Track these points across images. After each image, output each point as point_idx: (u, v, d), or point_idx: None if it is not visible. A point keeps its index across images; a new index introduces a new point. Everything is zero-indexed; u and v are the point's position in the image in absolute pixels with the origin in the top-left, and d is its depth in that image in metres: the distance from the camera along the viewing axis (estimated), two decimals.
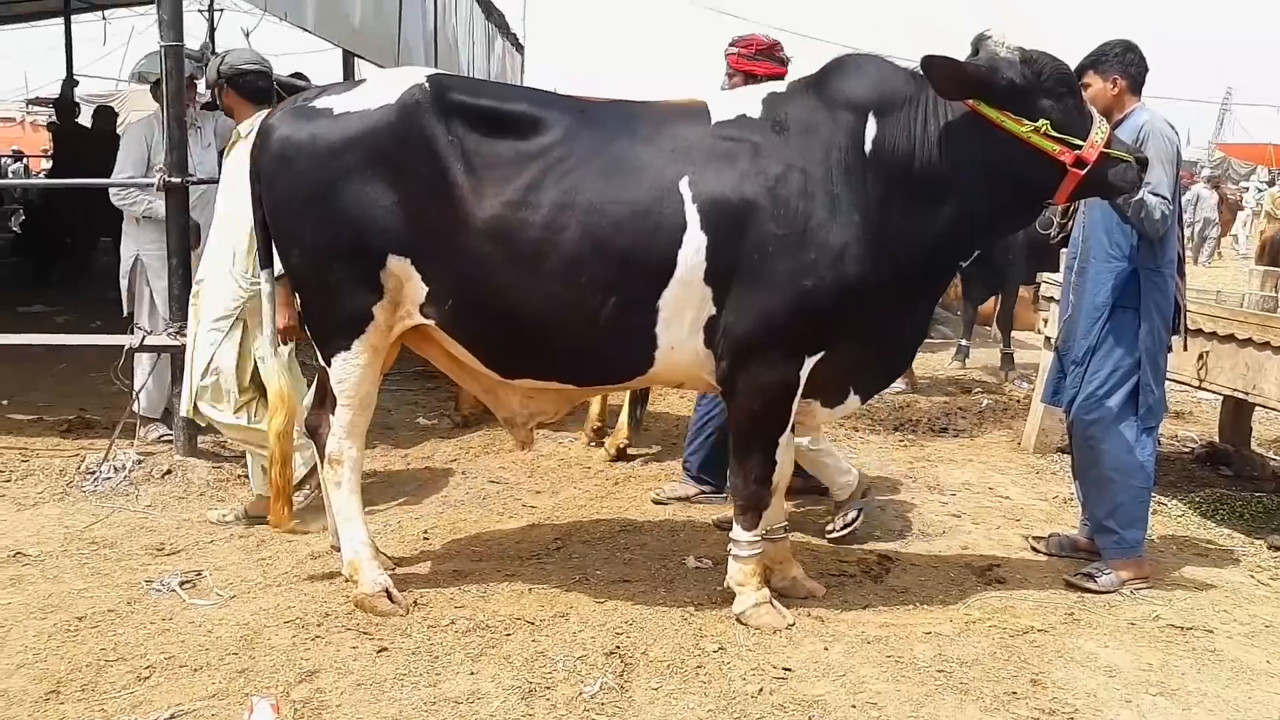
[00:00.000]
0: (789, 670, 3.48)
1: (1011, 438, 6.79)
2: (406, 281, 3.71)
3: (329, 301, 3.79)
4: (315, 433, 4.11)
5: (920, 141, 3.65)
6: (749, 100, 3.79)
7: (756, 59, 4.92)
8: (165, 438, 5.70)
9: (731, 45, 5.02)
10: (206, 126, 5.99)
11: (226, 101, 4.89)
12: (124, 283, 6.06)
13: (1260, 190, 26.39)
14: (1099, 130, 3.64)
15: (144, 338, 5.63)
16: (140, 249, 5.95)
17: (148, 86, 5.74)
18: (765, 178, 3.60)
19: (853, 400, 4.01)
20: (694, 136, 3.69)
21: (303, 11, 7.01)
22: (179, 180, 5.40)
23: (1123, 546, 4.34)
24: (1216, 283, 10.44)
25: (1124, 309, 4.27)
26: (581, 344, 3.74)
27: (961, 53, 3.69)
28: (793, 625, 3.79)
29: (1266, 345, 4.83)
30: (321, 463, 4.07)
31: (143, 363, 5.76)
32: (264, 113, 4.68)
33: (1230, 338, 5.03)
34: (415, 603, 3.87)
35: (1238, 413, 6.23)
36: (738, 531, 3.89)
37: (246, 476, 5.10)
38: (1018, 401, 7.69)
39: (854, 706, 3.29)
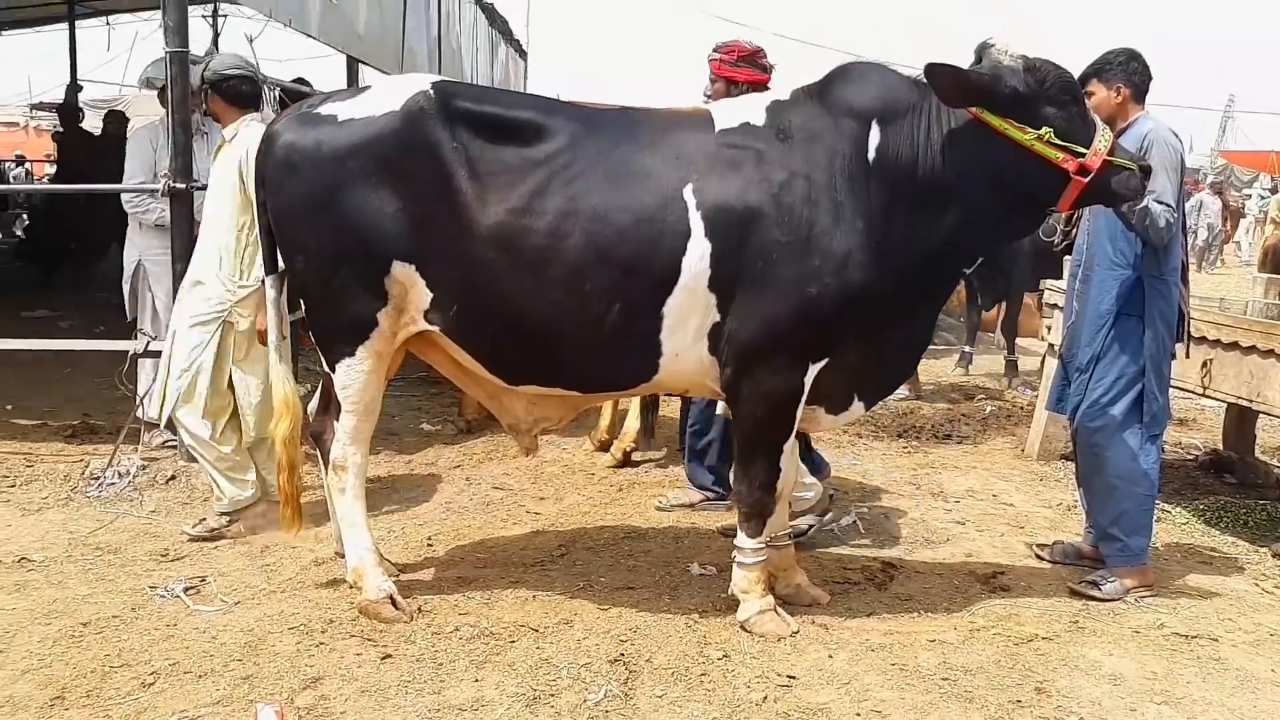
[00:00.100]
0: (793, 678, 3.48)
1: (1015, 444, 6.79)
2: (411, 288, 3.72)
3: (334, 307, 3.80)
4: (320, 439, 4.12)
5: (924, 149, 3.65)
6: (753, 108, 3.80)
7: (738, 65, 4.92)
8: (169, 443, 5.69)
9: (714, 51, 5.02)
10: (213, 132, 5.99)
11: (212, 106, 4.91)
12: (126, 288, 6.07)
13: (1264, 197, 26.37)
14: (1102, 138, 3.64)
15: (148, 343, 5.64)
16: (143, 254, 5.96)
17: (154, 92, 5.73)
18: (769, 185, 3.60)
19: (857, 407, 4.01)
20: (698, 144, 3.69)
21: (307, 17, 7.03)
22: (184, 186, 5.41)
23: (1127, 554, 4.33)
24: (1220, 290, 10.44)
25: (1128, 316, 4.27)
26: (586, 351, 3.74)
27: (965, 60, 3.69)
28: (797, 633, 3.79)
29: (1270, 353, 4.83)
30: (325, 468, 4.07)
31: (146, 368, 5.77)
32: (248, 117, 4.72)
33: (1234, 345, 5.03)
34: (419, 609, 3.87)
35: (1242, 420, 6.23)
36: (742, 539, 3.89)
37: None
38: (1021, 408, 7.69)
39: (858, 714, 3.29)
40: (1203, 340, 5.12)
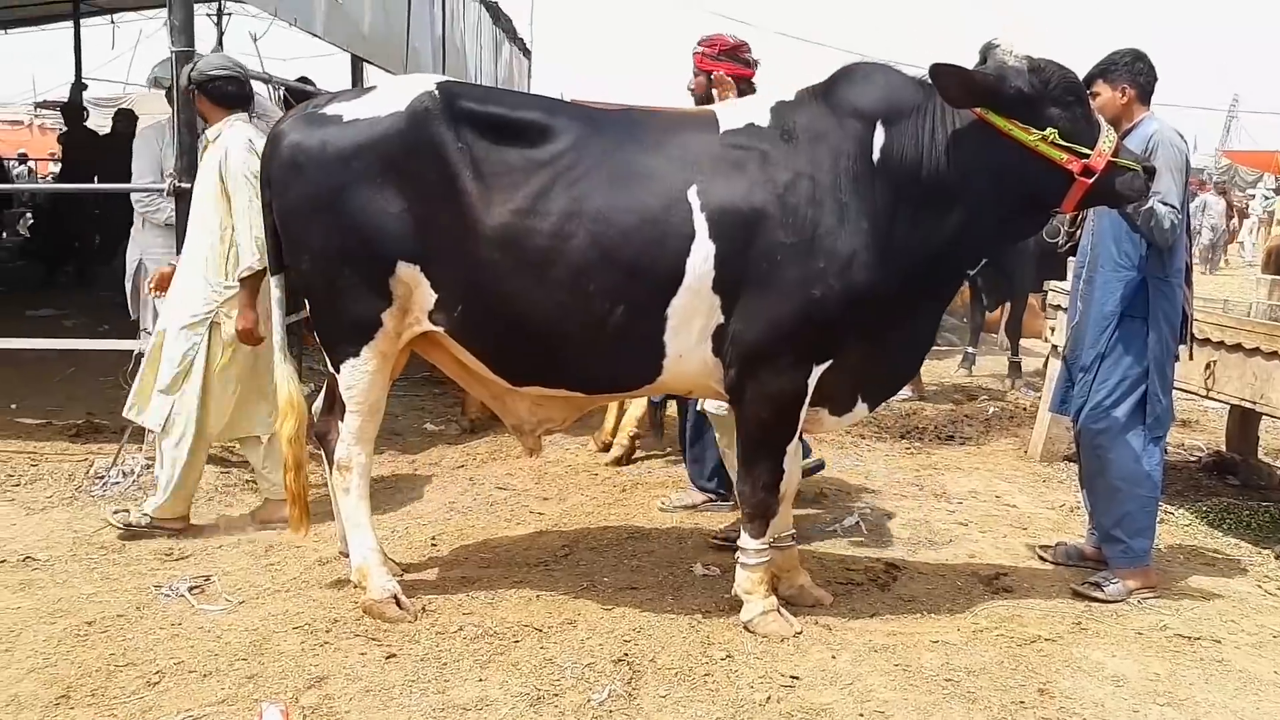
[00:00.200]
0: (796, 678, 3.48)
1: (1018, 445, 6.79)
2: (415, 288, 3.72)
3: (338, 308, 3.80)
4: (324, 439, 4.12)
5: (928, 150, 3.65)
6: (757, 109, 3.80)
7: (720, 59, 4.92)
8: None
9: (698, 44, 5.02)
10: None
11: (199, 107, 4.92)
12: (129, 286, 6.08)
13: (1267, 198, 26.36)
14: (1106, 139, 3.64)
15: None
16: (144, 253, 5.97)
17: (162, 91, 5.75)
18: (774, 186, 3.61)
19: (860, 408, 4.01)
20: (702, 145, 3.70)
21: (311, 16, 7.03)
22: (189, 185, 5.40)
23: (1130, 556, 4.33)
24: (1223, 291, 10.44)
25: (1132, 318, 4.27)
26: (590, 352, 3.74)
27: (968, 60, 3.70)
28: (800, 633, 3.79)
29: (1274, 355, 4.83)
30: (330, 468, 4.08)
31: None
32: (233, 117, 4.73)
33: (1238, 347, 5.03)
34: (423, 609, 3.88)
35: (1245, 422, 6.23)
36: (745, 539, 3.89)
37: (253, 482, 5.12)
38: (1024, 409, 7.68)
39: (861, 715, 3.29)
40: (1206, 342, 5.12)
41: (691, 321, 3.66)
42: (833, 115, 3.72)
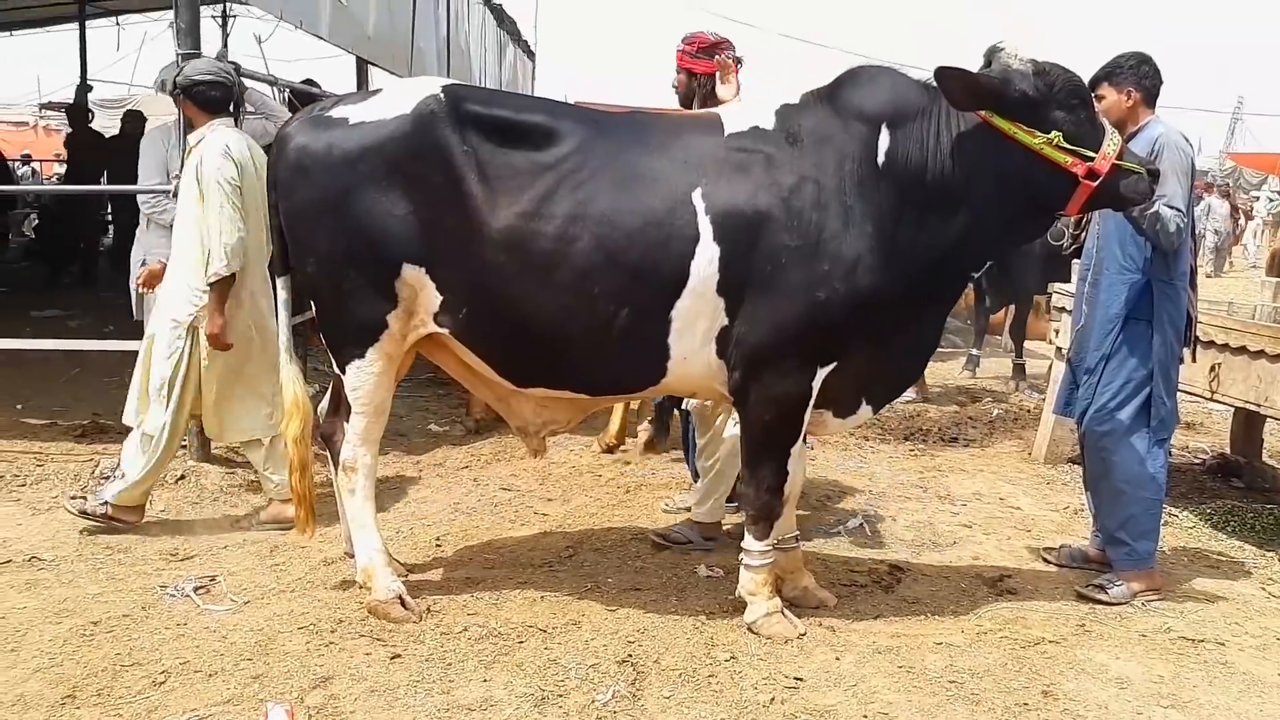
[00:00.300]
0: (800, 680, 3.49)
1: (1022, 448, 6.79)
2: (421, 290, 3.73)
3: (344, 310, 3.81)
4: (329, 440, 4.13)
5: (933, 153, 3.66)
6: (762, 112, 3.80)
7: (698, 57, 4.89)
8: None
9: (680, 42, 5.01)
10: None
11: (185, 112, 4.93)
12: (133, 286, 6.09)
13: (1272, 200, 26.32)
14: (1111, 142, 3.65)
15: None
16: (148, 253, 5.97)
17: (169, 94, 5.76)
18: (778, 189, 3.61)
19: (864, 410, 4.01)
20: (707, 148, 3.70)
21: (317, 19, 7.05)
22: None
23: (1134, 558, 4.34)
24: (1228, 293, 10.43)
25: (1137, 321, 4.27)
26: (594, 354, 3.75)
27: (972, 63, 3.70)
28: (804, 635, 3.80)
29: (1279, 357, 4.83)
30: (335, 469, 4.09)
31: None
32: (216, 122, 4.74)
33: (1242, 349, 5.03)
34: (428, 609, 3.89)
35: (1249, 425, 6.23)
36: (749, 541, 3.89)
37: (257, 483, 5.12)
38: (1028, 411, 7.68)
39: (865, 716, 3.30)
40: (1211, 344, 5.12)
41: (696, 324, 3.67)
42: (838, 118, 3.72)
